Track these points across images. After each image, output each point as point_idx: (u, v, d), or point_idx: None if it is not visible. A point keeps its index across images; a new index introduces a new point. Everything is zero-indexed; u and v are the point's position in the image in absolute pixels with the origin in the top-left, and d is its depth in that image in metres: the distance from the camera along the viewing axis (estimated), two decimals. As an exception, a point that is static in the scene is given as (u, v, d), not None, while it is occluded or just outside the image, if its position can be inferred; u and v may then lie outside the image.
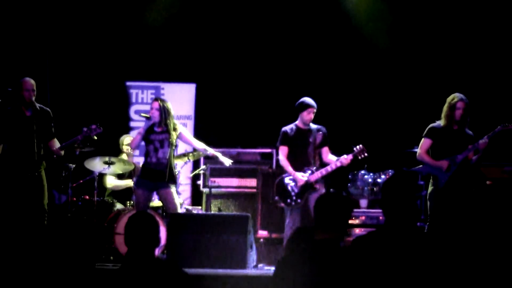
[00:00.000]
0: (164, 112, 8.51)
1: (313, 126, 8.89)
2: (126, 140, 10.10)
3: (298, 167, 8.77)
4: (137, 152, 10.54)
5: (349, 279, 3.96)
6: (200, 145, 8.83)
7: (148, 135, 8.55)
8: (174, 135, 8.50)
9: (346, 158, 8.66)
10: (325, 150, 8.87)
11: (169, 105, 8.61)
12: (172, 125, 8.52)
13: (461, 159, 8.05)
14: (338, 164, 8.67)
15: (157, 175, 8.45)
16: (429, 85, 10.88)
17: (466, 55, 11.02)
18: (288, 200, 8.77)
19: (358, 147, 8.72)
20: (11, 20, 10.95)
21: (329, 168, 8.71)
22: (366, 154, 8.74)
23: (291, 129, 8.91)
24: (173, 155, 8.64)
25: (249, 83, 11.81)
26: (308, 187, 8.70)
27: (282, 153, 8.87)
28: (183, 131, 8.70)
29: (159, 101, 8.60)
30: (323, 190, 8.69)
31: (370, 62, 11.42)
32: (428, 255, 4.03)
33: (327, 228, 4.15)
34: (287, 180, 8.83)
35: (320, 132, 8.86)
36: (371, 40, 11.28)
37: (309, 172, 8.72)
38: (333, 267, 4.01)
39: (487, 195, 8.84)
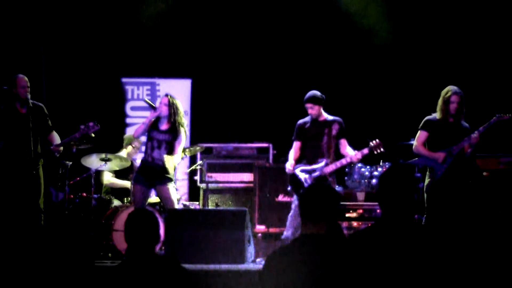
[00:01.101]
0: (173, 109, 8.46)
1: (329, 117, 8.75)
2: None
3: (311, 159, 8.63)
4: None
5: (337, 273, 3.95)
6: (177, 159, 8.60)
7: (151, 130, 8.48)
8: (175, 136, 8.44)
9: (362, 152, 8.48)
10: (343, 142, 8.67)
11: (179, 103, 8.54)
12: (176, 124, 8.45)
13: (457, 151, 8.07)
14: (354, 158, 8.50)
15: (153, 173, 8.43)
16: (425, 77, 10.88)
17: (461, 46, 11.01)
18: (301, 191, 8.53)
19: (374, 141, 8.49)
20: (5, 17, 10.93)
21: (344, 161, 8.55)
22: (382, 149, 8.49)
23: (305, 121, 8.77)
24: (173, 155, 8.54)
25: (245, 78, 11.81)
26: (321, 179, 8.51)
27: (293, 147, 8.75)
28: (182, 135, 8.51)
29: (169, 97, 8.51)
30: (335, 185, 8.63)
31: (365, 55, 11.41)
32: (425, 248, 4.03)
33: (312, 222, 4.13)
34: (298, 171, 8.65)
35: (336, 124, 8.71)
36: (365, 32, 11.28)
37: (324, 163, 8.56)
38: (319, 261, 4.00)
39: (483, 187, 8.86)
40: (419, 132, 8.28)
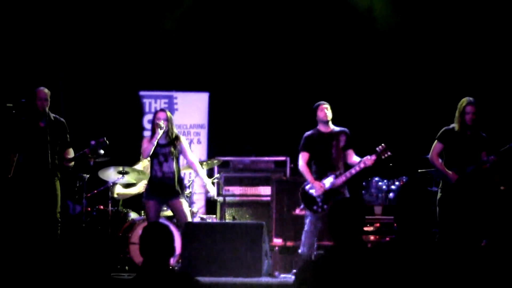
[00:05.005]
0: (171, 122, 8.55)
1: (336, 128, 8.68)
2: None
3: (322, 172, 8.54)
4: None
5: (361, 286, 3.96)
6: (194, 160, 8.72)
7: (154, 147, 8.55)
8: (176, 145, 8.51)
9: (369, 159, 8.39)
10: (350, 153, 8.62)
11: (171, 115, 8.70)
12: (174, 135, 8.54)
13: (471, 170, 8.01)
14: (362, 165, 8.41)
15: (165, 189, 8.45)
16: (445, 91, 10.82)
17: (483, 61, 10.94)
18: (315, 207, 8.46)
19: (380, 146, 8.45)
20: (24, 31, 11.01)
21: (353, 171, 8.46)
22: (389, 153, 8.43)
23: (313, 134, 8.69)
24: (179, 166, 8.60)
25: (262, 91, 11.82)
26: (333, 192, 8.44)
27: (302, 159, 8.62)
28: (183, 141, 8.65)
29: (166, 111, 8.62)
30: (347, 195, 8.55)
31: (385, 69, 11.39)
32: (439, 263, 4.02)
33: (338, 234, 4.15)
34: (308, 187, 8.57)
35: (343, 134, 8.64)
36: (386, 45, 11.26)
37: (333, 177, 8.47)
38: (344, 273, 4.00)
39: (500, 200, 8.79)
40: (435, 142, 8.22)
